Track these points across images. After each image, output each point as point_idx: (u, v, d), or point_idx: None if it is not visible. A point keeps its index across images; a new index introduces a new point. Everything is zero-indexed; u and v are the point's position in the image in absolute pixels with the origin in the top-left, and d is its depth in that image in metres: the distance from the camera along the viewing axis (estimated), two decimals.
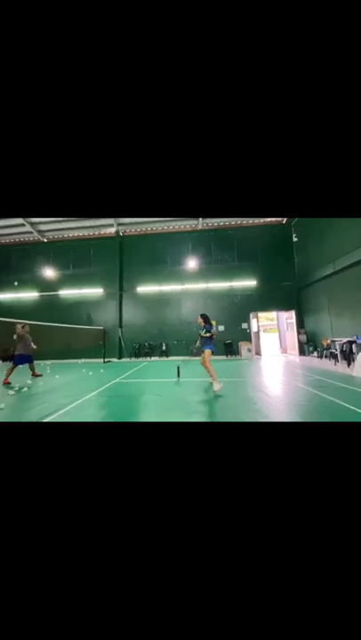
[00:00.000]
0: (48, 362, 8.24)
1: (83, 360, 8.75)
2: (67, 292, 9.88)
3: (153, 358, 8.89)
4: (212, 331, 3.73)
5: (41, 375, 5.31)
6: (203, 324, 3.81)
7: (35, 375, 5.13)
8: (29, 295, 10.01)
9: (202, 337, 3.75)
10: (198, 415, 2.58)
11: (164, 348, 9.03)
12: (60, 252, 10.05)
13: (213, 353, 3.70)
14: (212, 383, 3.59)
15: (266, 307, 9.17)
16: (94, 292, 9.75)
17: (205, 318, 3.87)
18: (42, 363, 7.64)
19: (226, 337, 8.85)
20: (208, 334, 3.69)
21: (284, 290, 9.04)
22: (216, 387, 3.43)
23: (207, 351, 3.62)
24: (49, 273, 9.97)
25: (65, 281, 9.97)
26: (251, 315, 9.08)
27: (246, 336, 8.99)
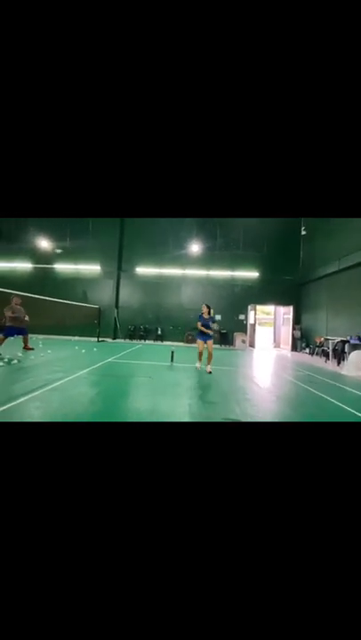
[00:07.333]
0: (40, 336, 8.14)
1: (76, 337, 8.69)
2: (62, 267, 9.52)
3: (148, 341, 8.89)
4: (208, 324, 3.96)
5: (33, 349, 5.24)
6: (207, 315, 3.94)
7: (26, 348, 5.06)
8: (24, 266, 9.61)
9: (207, 329, 3.93)
10: (186, 400, 2.60)
11: (159, 332, 9.01)
12: (56, 220, 9.48)
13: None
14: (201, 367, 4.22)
15: (265, 300, 9.11)
16: (91, 268, 9.42)
17: (209, 310, 3.99)
18: (34, 337, 7.53)
19: (222, 327, 8.86)
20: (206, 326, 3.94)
21: (285, 284, 8.95)
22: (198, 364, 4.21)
23: (202, 342, 4.01)
24: (44, 244, 9.51)
25: (61, 254, 9.55)
26: (249, 307, 9.05)
27: (242, 327, 9.01)
